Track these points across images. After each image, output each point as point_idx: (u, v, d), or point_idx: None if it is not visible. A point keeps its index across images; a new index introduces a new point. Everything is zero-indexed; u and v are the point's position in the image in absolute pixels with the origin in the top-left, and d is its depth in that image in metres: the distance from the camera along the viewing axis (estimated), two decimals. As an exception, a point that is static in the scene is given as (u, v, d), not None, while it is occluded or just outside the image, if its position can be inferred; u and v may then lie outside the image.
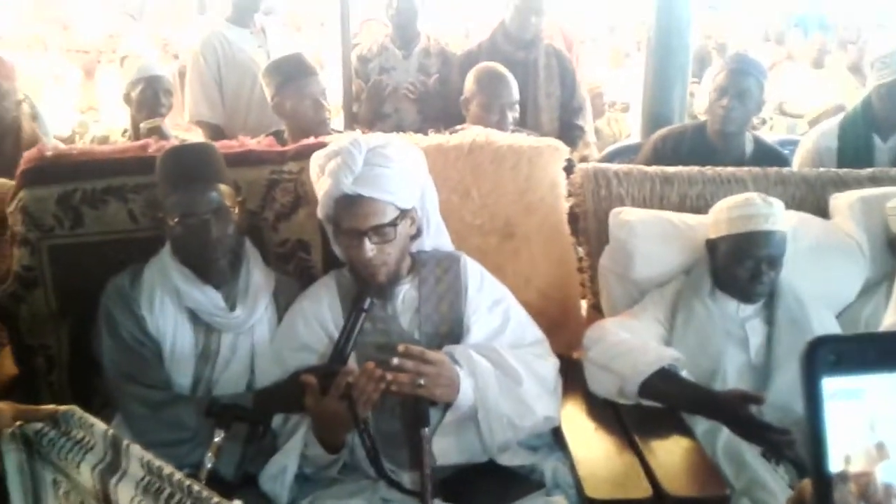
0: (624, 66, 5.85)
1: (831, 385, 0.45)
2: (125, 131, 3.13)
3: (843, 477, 0.43)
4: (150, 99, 3.02)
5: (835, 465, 0.44)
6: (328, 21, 5.78)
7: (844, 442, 0.44)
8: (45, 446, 1.02)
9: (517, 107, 2.79)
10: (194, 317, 1.74)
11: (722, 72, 2.59)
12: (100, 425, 1.03)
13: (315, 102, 2.63)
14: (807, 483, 0.84)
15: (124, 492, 0.98)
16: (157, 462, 1.01)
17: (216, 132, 3.34)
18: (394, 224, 1.63)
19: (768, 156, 2.61)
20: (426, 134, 2.18)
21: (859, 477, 0.44)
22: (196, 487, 0.99)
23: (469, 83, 2.81)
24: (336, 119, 3.24)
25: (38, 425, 1.02)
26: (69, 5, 5.89)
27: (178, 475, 1.00)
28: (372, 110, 3.34)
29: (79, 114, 4.30)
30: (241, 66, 3.38)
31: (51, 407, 1.04)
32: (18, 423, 1.03)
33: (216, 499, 0.98)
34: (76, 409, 1.04)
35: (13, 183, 1.90)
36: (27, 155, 1.87)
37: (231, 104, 3.42)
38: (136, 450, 1.01)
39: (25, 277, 1.83)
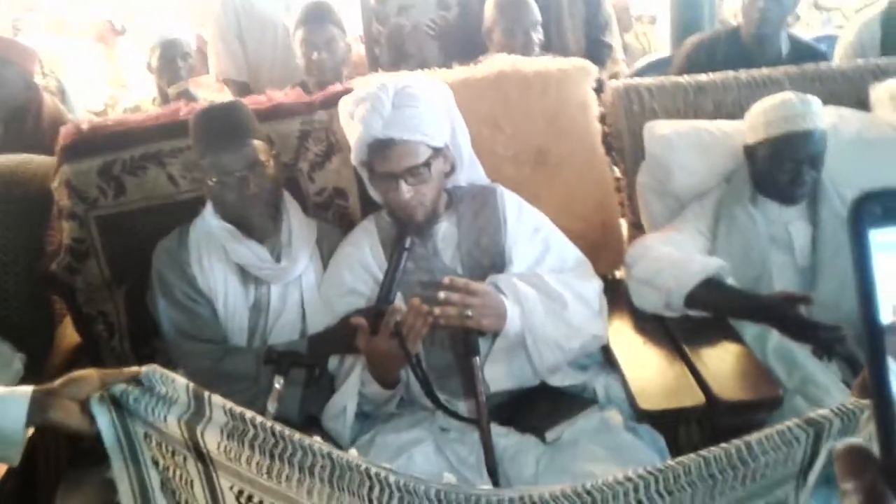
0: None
1: (879, 237, 0.45)
2: (154, 99, 3.16)
3: (894, 328, 0.44)
4: (168, 64, 3.03)
5: (885, 316, 0.44)
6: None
7: (894, 293, 0.45)
8: (133, 404, 1.07)
9: (540, 28, 2.74)
10: (242, 271, 1.78)
11: None
12: (181, 380, 1.08)
13: (313, 47, 2.62)
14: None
15: (211, 437, 1.04)
16: (239, 409, 1.06)
17: (243, 89, 3.34)
18: (428, 164, 1.64)
19: (806, 53, 2.54)
20: (450, 68, 2.16)
21: None
22: (278, 427, 1.04)
23: (489, 11, 2.77)
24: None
25: (123, 385, 1.07)
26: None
27: (259, 418, 1.05)
28: (394, 54, 3.30)
29: (108, 87, 4.34)
30: (262, 21, 3.36)
31: (134, 369, 1.10)
32: (106, 386, 1.09)
33: (298, 435, 1.03)
34: (157, 368, 1.09)
35: (52, 159, 1.96)
36: (64, 131, 1.91)
37: (254, 59, 3.40)
38: (218, 399, 1.07)
39: (77, 249, 1.89)
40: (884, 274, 0.45)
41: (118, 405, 1.09)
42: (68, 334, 2.01)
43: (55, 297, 2.02)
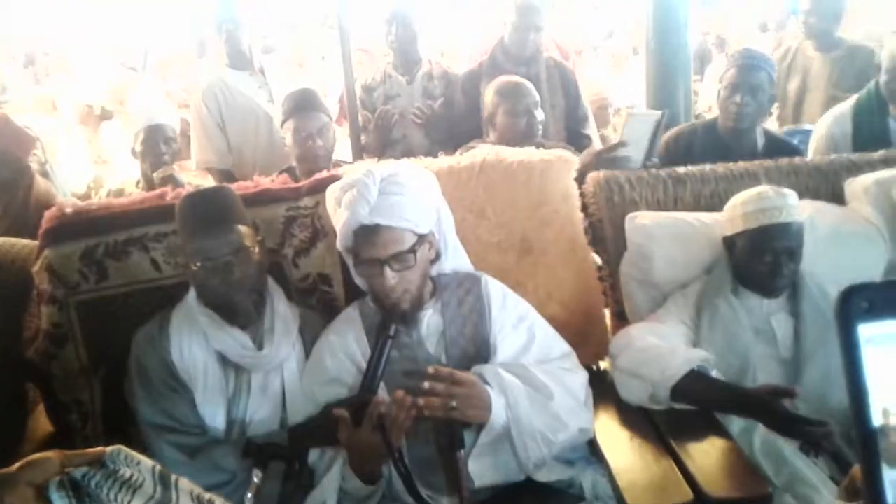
0: (624, 71, 5.87)
1: (867, 331, 0.45)
2: (138, 182, 3.16)
3: (886, 430, 0.43)
4: (152, 148, 3.06)
5: (876, 417, 0.44)
6: (329, 55, 5.85)
7: (885, 392, 0.44)
8: (94, 489, 1.02)
9: (541, 109, 2.81)
10: (223, 359, 1.75)
11: (731, 68, 2.59)
12: (147, 461, 1.03)
13: (308, 136, 2.59)
14: (857, 469, 0.84)
15: None
16: (207, 495, 1.01)
17: (226, 177, 3.38)
18: (413, 250, 1.65)
19: (780, 148, 2.60)
20: (436, 156, 2.20)
21: None
22: None
23: (489, 98, 2.84)
24: (343, 149, 3.28)
25: (84, 469, 1.02)
26: (73, 63, 6.00)
27: None
28: (381, 138, 3.37)
29: (92, 168, 4.36)
30: (244, 109, 3.43)
31: (98, 449, 1.05)
32: (66, 469, 1.04)
33: None
34: (122, 448, 1.04)
35: (33, 243, 1.94)
36: (48, 214, 1.90)
37: (237, 147, 3.46)
38: (185, 483, 1.02)
39: (55, 335, 1.86)
40: (874, 370, 0.44)
41: (78, 490, 1.03)
42: (41, 423, 1.96)
43: (29, 384, 1.97)
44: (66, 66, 6.03)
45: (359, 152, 3.30)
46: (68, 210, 1.90)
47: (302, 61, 6.38)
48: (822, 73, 3.69)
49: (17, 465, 1.03)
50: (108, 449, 1.04)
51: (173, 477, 1.03)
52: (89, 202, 1.98)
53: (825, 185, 2.30)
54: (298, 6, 7.31)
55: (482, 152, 2.15)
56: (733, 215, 1.97)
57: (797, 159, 2.40)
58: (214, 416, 1.74)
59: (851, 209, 2.22)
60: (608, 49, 6.52)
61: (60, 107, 5.02)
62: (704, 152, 2.50)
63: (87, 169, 4.28)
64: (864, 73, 3.59)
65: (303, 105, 2.68)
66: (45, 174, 3.30)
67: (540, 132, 2.78)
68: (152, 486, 1.02)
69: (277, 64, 4.62)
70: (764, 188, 1.95)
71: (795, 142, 2.89)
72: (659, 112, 2.52)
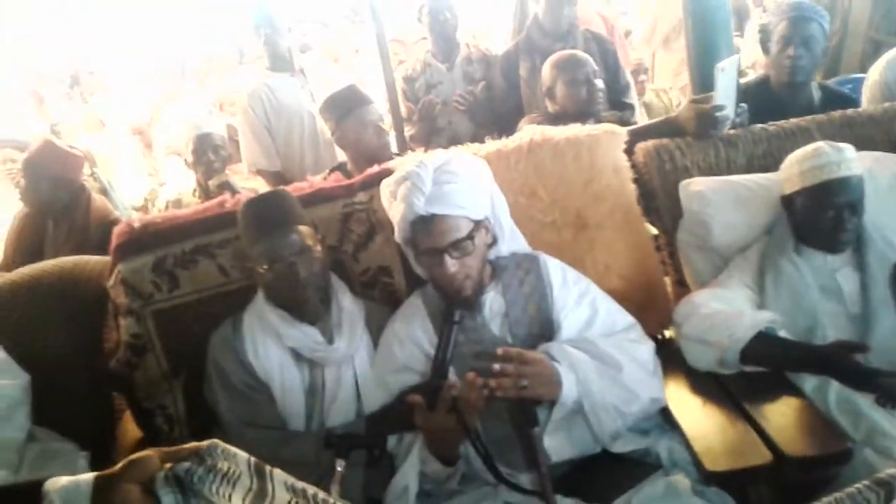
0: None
1: None
2: (194, 191, 3.25)
3: None
4: (201, 157, 3.13)
5: None
6: (362, 48, 5.89)
7: None
8: (197, 483, 1.06)
9: (600, 79, 2.81)
10: (297, 355, 1.81)
11: (782, 21, 2.50)
12: (242, 454, 1.07)
13: (376, 128, 2.70)
14: None
15: None
16: (300, 484, 1.05)
17: (277, 178, 3.45)
18: (470, 237, 1.67)
19: (838, 100, 2.52)
20: (481, 141, 2.21)
21: None
22: (340, 503, 1.03)
23: (546, 73, 2.86)
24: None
25: (187, 464, 1.07)
26: (117, 79, 6.14)
27: (321, 494, 1.05)
28: (426, 128, 3.39)
29: (147, 182, 4.49)
30: (289, 111, 3.49)
31: (193, 444, 1.09)
32: (168, 465, 1.08)
33: None
34: (218, 442, 1.08)
35: (105, 259, 2.02)
36: (117, 230, 1.98)
37: (285, 149, 3.53)
38: (279, 474, 1.06)
39: (135, 345, 1.94)
40: None
41: (182, 485, 1.08)
42: (130, 430, 2.04)
43: (115, 393, 2.06)
44: (109, 84, 6.18)
45: (403, 144, 3.33)
46: (136, 225, 1.97)
47: (336, 56, 6.43)
48: (862, 15, 3.57)
49: (119, 465, 1.09)
50: (205, 443, 1.09)
51: (268, 468, 1.07)
52: (155, 215, 2.05)
53: (881, 135, 2.25)
54: (328, 3, 7.35)
55: (528, 133, 2.16)
56: (791, 174, 1.95)
57: (850, 111, 2.33)
58: (293, 411, 1.79)
59: (910, 156, 2.16)
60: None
61: (108, 124, 5.15)
62: (759, 110, 2.41)
63: (142, 182, 4.40)
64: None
65: (360, 100, 2.72)
66: (104, 192, 3.43)
67: (601, 100, 2.77)
68: (249, 478, 1.06)
69: (313, 61, 4.68)
70: (820, 144, 1.92)
71: (847, 90, 2.82)
72: (736, 56, 2.45)
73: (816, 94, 2.58)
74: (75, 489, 1.06)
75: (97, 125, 5.28)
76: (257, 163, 3.52)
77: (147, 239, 1.95)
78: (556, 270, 1.82)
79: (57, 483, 1.07)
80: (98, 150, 4.55)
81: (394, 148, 3.24)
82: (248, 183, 3.53)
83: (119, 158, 4.61)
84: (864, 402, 1.69)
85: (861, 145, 2.11)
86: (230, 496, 1.05)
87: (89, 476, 1.08)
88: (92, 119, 5.35)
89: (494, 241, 1.81)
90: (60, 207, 2.86)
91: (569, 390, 1.61)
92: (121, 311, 1.93)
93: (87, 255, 2.19)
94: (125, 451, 1.95)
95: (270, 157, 3.51)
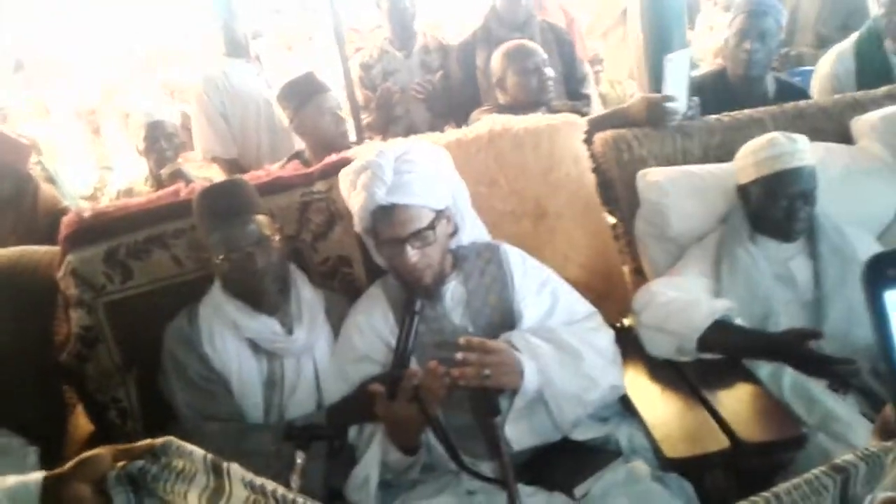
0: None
1: (894, 297, 0.46)
2: (146, 179, 3.18)
3: None
4: (153, 145, 3.07)
5: None
6: (316, 35, 5.81)
7: None
8: (151, 482, 1.03)
9: (550, 67, 2.80)
10: (255, 347, 1.78)
11: (739, 15, 2.56)
12: (198, 451, 1.04)
13: (334, 116, 2.68)
14: (889, 407, 0.86)
15: None
16: (259, 480, 1.03)
17: (233, 166, 3.39)
18: (432, 227, 1.66)
19: (791, 92, 2.59)
20: (439, 130, 2.21)
21: None
22: (300, 499, 1.02)
23: (496, 62, 2.85)
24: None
25: (140, 462, 1.04)
26: (64, 65, 5.95)
27: (280, 490, 1.02)
28: (384, 116, 3.36)
29: (96, 171, 4.37)
30: (244, 98, 3.44)
31: (147, 442, 1.06)
32: (121, 463, 1.05)
33: None
34: (173, 439, 1.05)
35: (55, 249, 1.96)
36: (66, 220, 1.92)
37: (241, 136, 3.47)
38: (237, 470, 1.03)
39: (86, 337, 1.88)
40: None
41: (135, 484, 1.05)
42: (81, 424, 1.99)
43: (66, 386, 2.00)
44: (56, 69, 5.99)
45: (361, 133, 3.30)
46: (86, 214, 1.91)
47: (290, 44, 6.34)
48: (810, 10, 3.66)
49: (70, 463, 1.05)
50: (158, 441, 1.06)
51: (224, 465, 1.04)
52: (106, 205, 1.99)
53: (831, 126, 2.31)
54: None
55: (488, 122, 2.15)
56: (745, 164, 1.98)
57: (802, 102, 2.39)
58: (251, 404, 1.77)
59: (860, 148, 2.22)
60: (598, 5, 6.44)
61: (54, 111, 4.99)
62: (714, 102, 2.47)
63: (90, 171, 4.28)
64: (851, 10, 3.59)
65: (317, 87, 2.69)
66: (51, 180, 3.32)
67: (552, 89, 2.77)
68: (206, 476, 1.03)
69: (266, 48, 4.60)
70: (774, 135, 1.96)
71: (797, 80, 2.88)
72: (687, 49, 2.48)
73: (771, 87, 2.63)
74: (24, 489, 1.02)
75: (42, 111, 5.12)
76: (212, 150, 3.46)
77: (98, 229, 1.90)
78: (516, 260, 1.83)
79: (4, 483, 1.03)
80: (43, 138, 4.41)
81: (351, 136, 3.22)
82: (202, 172, 3.46)
83: (65, 146, 4.48)
84: (818, 388, 1.73)
85: (813, 136, 2.15)
86: (186, 494, 1.02)
87: (38, 475, 1.04)
88: (36, 105, 5.18)
89: (455, 231, 1.80)
90: (6, 198, 2.76)
91: (530, 379, 1.62)
92: (71, 302, 1.88)
93: (26, 245, 2.12)
94: (77, 445, 1.90)
95: (226, 144, 3.45)
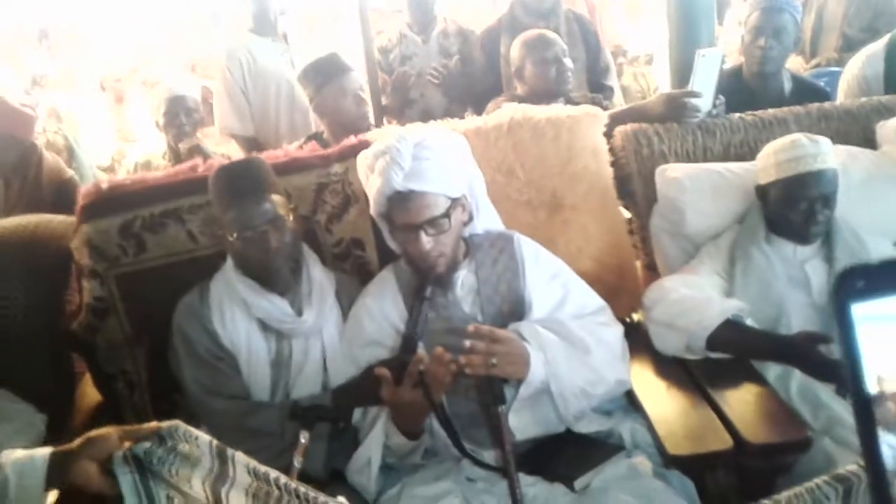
0: (642, 17, 5.76)
1: (862, 310, 0.46)
2: (164, 153, 3.19)
3: (881, 397, 0.45)
4: (172, 119, 3.08)
5: (871, 386, 0.46)
6: (341, 16, 5.79)
7: (880, 364, 0.46)
8: (156, 464, 1.05)
9: (569, 58, 2.77)
10: (264, 326, 1.79)
11: (755, 11, 2.54)
12: (204, 437, 1.06)
13: (356, 97, 2.66)
14: None
15: (236, 499, 1.03)
16: (262, 468, 1.05)
17: (251, 144, 3.39)
18: (447, 214, 1.66)
19: (808, 91, 2.56)
20: (454, 115, 2.19)
21: None
22: (302, 489, 1.03)
23: (515, 52, 2.81)
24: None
25: (147, 444, 1.05)
26: (88, 35, 5.97)
27: (283, 478, 1.04)
28: (399, 100, 3.35)
29: (116, 141, 4.39)
30: (266, 76, 3.42)
31: (153, 424, 1.08)
32: (127, 444, 1.07)
33: (322, 498, 1.02)
34: (180, 424, 1.07)
35: (70, 219, 1.97)
36: (84, 190, 1.93)
37: (260, 114, 3.46)
38: (241, 457, 1.05)
39: (98, 308, 1.90)
40: (868, 342, 0.46)
41: (140, 465, 1.06)
42: (89, 393, 2.01)
43: (75, 356, 2.02)
44: (80, 39, 6.01)
45: (380, 115, 3.29)
46: (104, 185, 1.92)
47: (312, 25, 6.32)
48: (836, 11, 3.61)
49: (77, 441, 1.07)
50: (165, 424, 1.07)
51: (230, 451, 1.06)
52: (124, 177, 2.00)
53: (856, 129, 2.28)
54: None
55: (509, 111, 2.14)
56: (766, 164, 1.96)
57: (827, 104, 2.36)
58: (258, 382, 1.78)
59: (883, 153, 2.19)
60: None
61: (80, 80, 5.02)
62: (730, 99, 2.44)
63: (110, 142, 4.30)
64: (879, 11, 3.53)
65: (340, 68, 2.68)
66: (70, 149, 3.35)
67: (570, 80, 2.75)
68: (210, 461, 1.05)
69: (291, 26, 4.58)
70: (797, 136, 1.93)
71: (822, 83, 2.85)
72: (720, 49, 2.46)
73: (787, 85, 2.61)
74: (30, 463, 1.04)
75: (68, 81, 5.14)
76: (231, 126, 3.46)
77: (115, 200, 1.90)
78: (529, 250, 1.82)
79: (12, 456, 1.05)
80: (66, 107, 4.44)
81: (371, 119, 3.21)
82: (219, 148, 3.47)
83: (87, 116, 4.50)
84: (825, 392, 1.72)
85: (836, 138, 2.13)
86: (190, 478, 1.04)
87: (45, 451, 1.06)
88: (62, 74, 5.21)
89: (470, 219, 1.80)
90: (10, 167, 2.78)
91: (537, 370, 1.62)
92: (84, 272, 1.89)
93: (42, 214, 2.14)
94: (83, 414, 1.93)
95: (245, 121, 3.45)
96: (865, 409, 0.46)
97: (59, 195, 2.68)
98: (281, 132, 3.40)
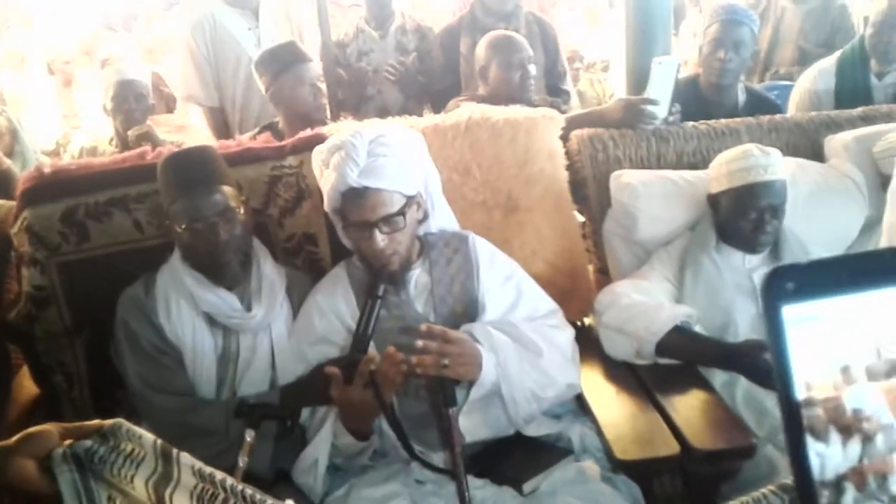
0: (600, 24, 5.83)
1: (791, 312, 0.46)
2: (112, 139, 3.09)
3: (810, 402, 0.45)
4: (121, 104, 2.98)
5: (800, 391, 0.45)
6: (294, 8, 5.70)
7: (810, 368, 0.46)
8: (97, 464, 1.01)
9: (534, 65, 2.76)
10: (211, 320, 1.74)
11: (714, 23, 2.57)
12: (148, 436, 1.02)
13: (313, 87, 2.61)
14: None
15: (180, 501, 0.99)
16: (208, 469, 1.01)
17: (216, 115, 3.28)
18: (402, 212, 1.64)
19: (761, 104, 2.61)
20: (410, 112, 2.17)
21: (827, 402, 0.45)
22: (249, 491, 1.00)
23: (481, 51, 2.77)
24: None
25: (88, 443, 1.01)
26: (44, 19, 5.79)
27: (230, 480, 1.01)
28: (355, 95, 3.31)
29: (61, 126, 4.25)
30: (226, 48, 3.30)
31: (96, 422, 1.04)
32: (68, 442, 1.02)
33: (270, 501, 1.00)
34: (123, 422, 1.03)
35: (10, 203, 1.90)
36: (25, 175, 1.87)
37: (218, 87, 3.35)
38: (186, 458, 1.01)
39: (37, 297, 1.83)
40: (797, 347, 0.45)
41: (81, 464, 1.02)
42: (25, 385, 1.94)
43: (12, 347, 1.95)
44: (27, 18, 5.82)
45: (336, 109, 3.25)
46: (47, 170, 1.86)
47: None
48: (793, 24, 3.69)
49: (15, 437, 1.02)
50: (108, 422, 1.03)
51: (174, 451, 1.02)
52: (69, 162, 1.93)
53: (805, 142, 2.33)
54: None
55: (468, 110, 2.13)
56: (718, 174, 1.99)
57: (778, 116, 2.41)
58: (204, 378, 1.73)
59: (831, 166, 2.25)
60: (583, 1, 6.44)
61: (26, 61, 4.85)
62: (686, 108, 2.47)
63: (56, 126, 4.17)
64: (836, 27, 3.62)
65: (298, 56, 2.63)
66: (13, 132, 3.23)
67: (533, 87, 2.74)
68: (154, 461, 1.01)
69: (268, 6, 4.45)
70: (749, 147, 1.96)
71: (773, 96, 2.91)
72: (676, 57, 2.48)
73: (741, 97, 2.66)
74: None
75: (16, 62, 4.96)
76: (195, 96, 3.33)
77: (58, 186, 1.84)
78: (484, 251, 1.81)
79: None
80: (11, 89, 4.29)
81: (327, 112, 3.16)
82: (170, 136, 3.37)
83: (33, 99, 4.35)
84: (770, 400, 1.75)
85: (785, 151, 2.18)
86: (132, 478, 1.00)
87: None
88: (10, 55, 5.02)
89: (425, 217, 1.78)
90: None
91: (488, 372, 1.61)
92: (24, 259, 1.82)
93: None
94: (20, 407, 1.86)
95: (208, 90, 3.32)
96: (793, 414, 0.45)
97: None
98: (237, 107, 3.30)
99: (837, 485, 0.44)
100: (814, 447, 0.45)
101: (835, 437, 0.45)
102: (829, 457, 0.45)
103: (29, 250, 1.81)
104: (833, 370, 0.45)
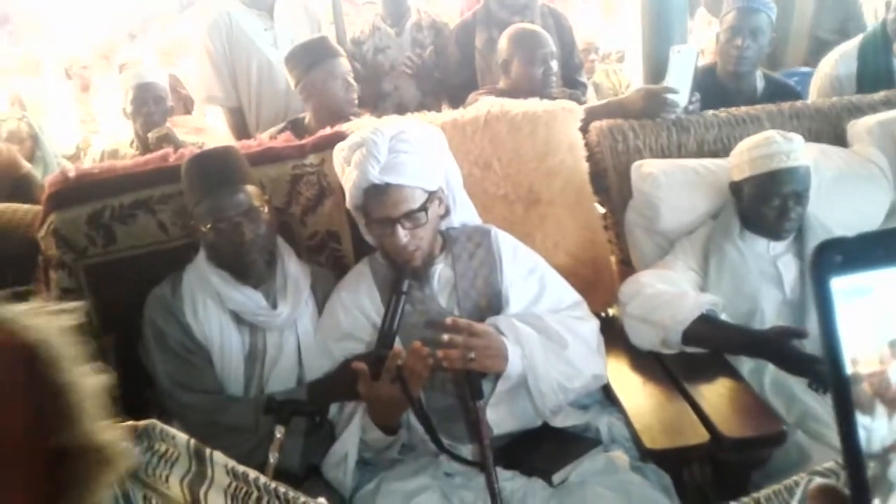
0: (616, 15, 5.79)
1: (840, 284, 0.45)
2: (132, 142, 3.12)
3: (857, 378, 0.45)
4: (140, 108, 3.00)
5: (848, 366, 0.45)
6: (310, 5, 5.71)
7: (858, 342, 0.45)
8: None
9: (556, 60, 2.75)
10: (238, 319, 1.76)
11: (731, 11, 2.56)
12: (181, 436, 1.04)
13: (345, 82, 2.60)
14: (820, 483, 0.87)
15: (214, 500, 1.01)
16: (241, 467, 1.02)
17: (237, 115, 3.29)
18: (424, 208, 1.64)
19: (780, 91, 2.59)
20: (428, 107, 2.17)
21: (872, 376, 0.45)
22: (282, 489, 1.01)
23: (504, 45, 2.76)
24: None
25: (123, 444, 1.03)
26: (62, 26, 5.84)
27: (263, 479, 1.02)
28: (373, 92, 3.32)
29: (81, 130, 4.29)
30: (242, 49, 3.30)
31: (129, 423, 1.05)
32: None
33: (303, 499, 1.01)
34: (156, 422, 1.04)
35: (37, 208, 1.92)
36: (50, 179, 1.89)
37: (236, 84, 3.35)
38: (220, 457, 1.03)
39: (65, 299, 1.84)
40: (845, 321, 0.45)
41: None
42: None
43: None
44: (44, 25, 5.88)
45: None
46: (71, 174, 1.88)
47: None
48: (806, 12, 3.66)
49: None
50: (141, 423, 1.04)
51: (208, 450, 1.03)
52: (92, 166, 1.95)
53: (828, 128, 2.31)
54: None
55: (486, 104, 2.13)
56: (740, 161, 1.97)
57: (799, 103, 2.39)
58: (232, 376, 1.75)
59: (854, 151, 2.23)
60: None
61: (44, 67, 4.89)
62: (704, 96, 2.46)
63: (75, 130, 4.21)
64: (850, 16, 3.58)
65: (330, 51, 2.62)
66: (35, 138, 3.26)
67: (554, 84, 2.73)
68: (188, 460, 1.03)
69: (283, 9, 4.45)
70: (770, 133, 1.95)
71: (793, 83, 2.88)
72: (695, 48, 2.47)
73: (760, 84, 2.64)
74: None
75: (32, 67, 5.01)
76: (214, 96, 3.34)
77: (83, 190, 1.86)
78: (507, 244, 1.81)
79: None
80: (30, 94, 4.33)
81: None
82: (189, 137, 3.39)
83: (52, 104, 4.39)
84: (798, 386, 1.74)
85: (808, 137, 2.16)
86: (167, 478, 1.01)
87: None
88: (26, 60, 5.08)
89: (447, 213, 1.78)
90: None
91: (514, 364, 1.61)
92: (51, 263, 1.84)
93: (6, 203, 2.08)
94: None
95: (227, 91, 3.33)
96: (843, 390, 0.45)
97: (17, 189, 2.60)
98: (252, 107, 3.30)
99: (884, 457, 0.44)
100: (860, 420, 0.45)
101: (881, 410, 0.45)
102: (875, 430, 0.45)
103: (56, 253, 1.83)
104: (881, 344, 0.45)
